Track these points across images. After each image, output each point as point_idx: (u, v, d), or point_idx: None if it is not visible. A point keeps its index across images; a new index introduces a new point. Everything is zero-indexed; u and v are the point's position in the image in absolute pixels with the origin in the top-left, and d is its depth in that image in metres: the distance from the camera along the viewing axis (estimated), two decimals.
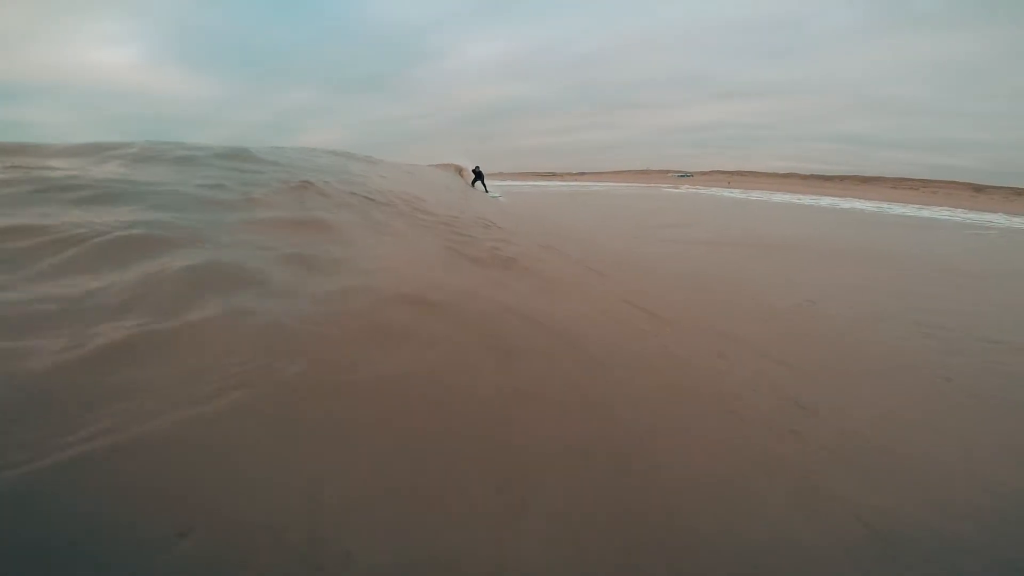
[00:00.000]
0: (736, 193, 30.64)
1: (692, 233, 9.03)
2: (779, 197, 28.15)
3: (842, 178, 60.78)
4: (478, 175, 15.79)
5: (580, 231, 8.05)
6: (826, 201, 26.45)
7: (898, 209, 23.34)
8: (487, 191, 15.28)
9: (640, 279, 4.30)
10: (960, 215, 21.98)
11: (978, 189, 48.63)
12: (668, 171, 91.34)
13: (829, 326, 3.60)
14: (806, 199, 28.05)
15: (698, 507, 1.44)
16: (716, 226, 10.78)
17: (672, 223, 10.83)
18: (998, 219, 20.93)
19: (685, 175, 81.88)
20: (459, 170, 17.72)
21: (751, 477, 1.61)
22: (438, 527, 1.24)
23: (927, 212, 22.84)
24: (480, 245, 3.98)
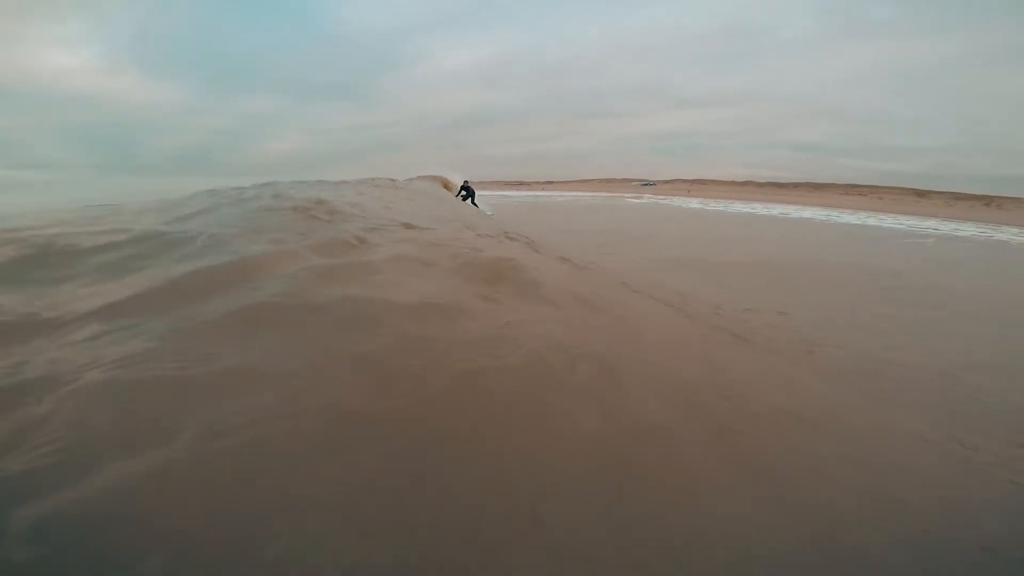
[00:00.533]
0: (694, 203, 31.27)
1: (639, 252, 8.95)
2: (736, 207, 28.86)
3: (796, 185, 63.18)
4: (468, 191, 14.77)
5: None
6: (778, 210, 27.27)
7: (846, 218, 24.21)
8: (478, 207, 14.14)
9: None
10: (904, 221, 23.03)
11: (921, 194, 51.26)
12: (632, 180, 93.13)
13: None
14: (760, 208, 28.88)
15: None
16: (665, 243, 10.79)
17: (608, 243, 10.72)
18: (934, 226, 21.94)
19: (648, 184, 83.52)
20: (444, 183, 16.91)
21: None
22: None
23: (873, 220, 23.77)
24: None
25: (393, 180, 13.28)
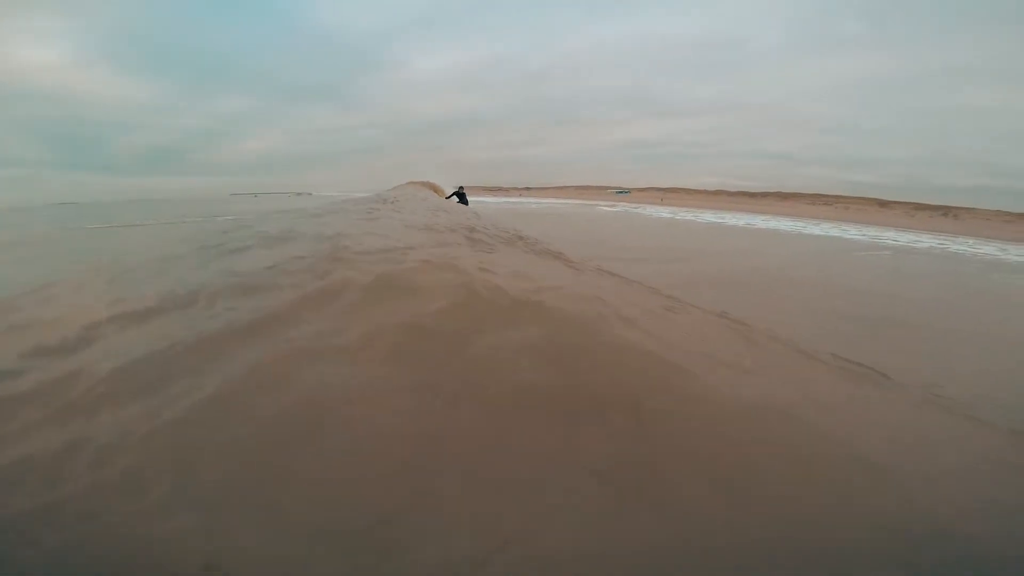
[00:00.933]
0: (665, 213, 31.54)
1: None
2: (705, 217, 29.17)
3: (765, 195, 64.65)
4: (461, 197, 14.35)
5: None
6: (745, 220, 27.66)
7: (811, 229, 24.64)
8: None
9: None
10: (866, 232, 23.55)
11: (883, 204, 52.93)
12: (608, 187, 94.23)
13: None
14: (729, 218, 29.25)
15: None
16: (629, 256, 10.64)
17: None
18: (893, 237, 22.50)
19: (623, 192, 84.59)
20: (433, 188, 16.82)
21: None
22: None
23: (837, 231, 24.25)
24: None
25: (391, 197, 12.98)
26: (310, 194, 79.85)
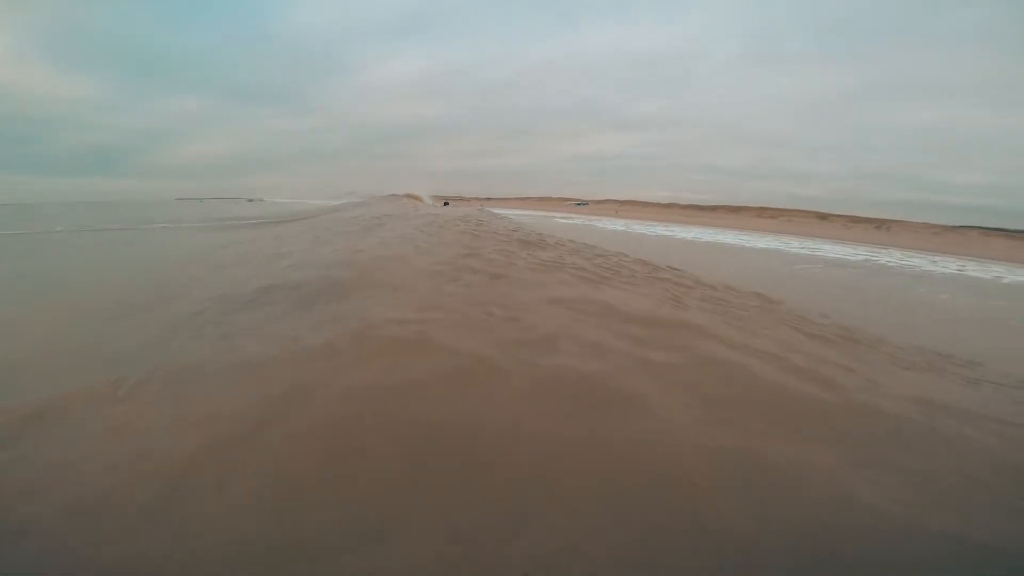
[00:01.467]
0: (619, 225, 31.90)
1: None
2: (656, 230, 29.68)
3: (715, 208, 67.02)
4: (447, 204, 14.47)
5: None
6: (693, 234, 28.34)
7: (757, 242, 25.44)
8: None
9: None
10: (808, 244, 24.53)
11: (823, 217, 55.78)
12: (567, 199, 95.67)
13: None
14: (679, 231, 29.89)
15: None
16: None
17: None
18: (830, 250, 23.51)
19: (582, 204, 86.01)
20: (415, 199, 17.63)
21: None
22: None
23: (779, 243, 25.14)
24: None
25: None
26: (262, 200, 76.96)
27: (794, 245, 24.40)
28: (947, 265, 20.45)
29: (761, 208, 63.54)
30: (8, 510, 1.68)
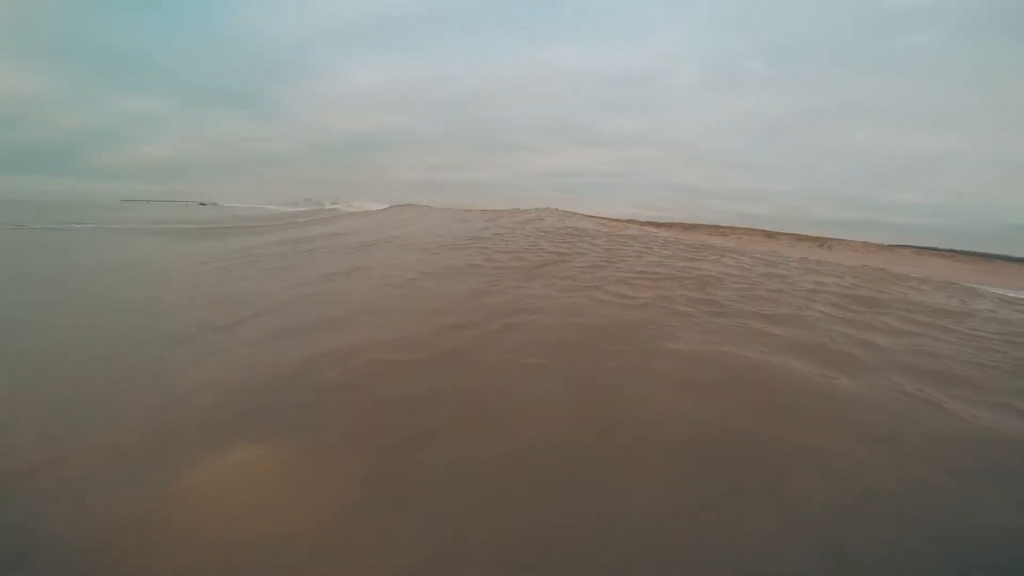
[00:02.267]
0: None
1: None
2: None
3: (671, 224, 68.85)
4: None
5: None
6: None
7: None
8: None
9: None
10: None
11: (770, 235, 58.17)
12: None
13: None
14: None
15: None
16: None
17: None
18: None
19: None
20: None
21: None
22: None
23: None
24: None
25: None
26: (215, 204, 74.00)
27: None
28: None
29: (714, 226, 65.69)
30: None
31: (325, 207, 39.05)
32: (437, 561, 1.66)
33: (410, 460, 2.14)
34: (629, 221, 77.58)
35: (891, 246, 50.66)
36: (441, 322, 3.66)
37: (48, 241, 12.69)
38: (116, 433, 2.48)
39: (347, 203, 37.33)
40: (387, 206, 30.83)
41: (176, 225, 19.53)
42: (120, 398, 2.90)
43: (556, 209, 17.13)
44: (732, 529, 1.75)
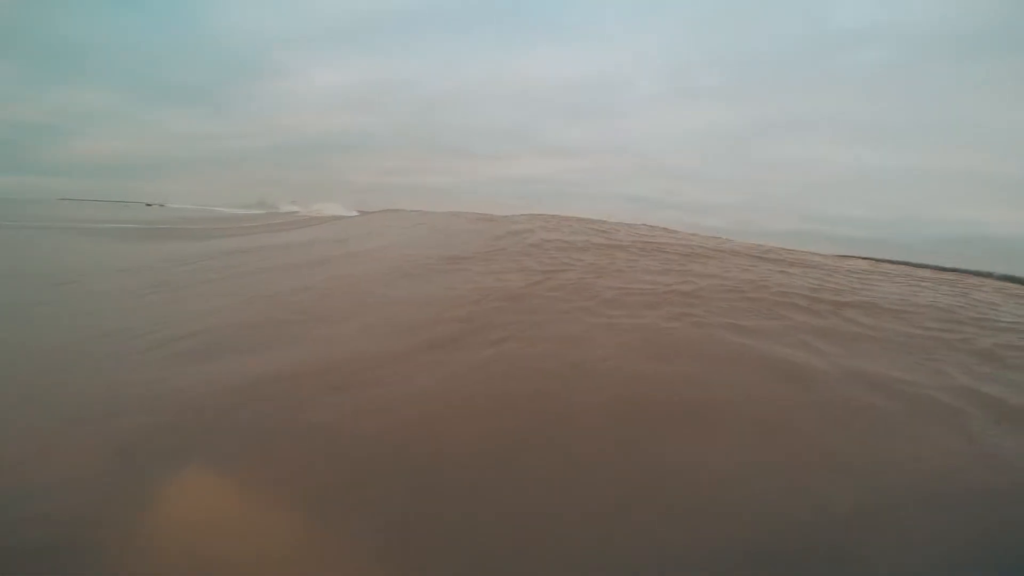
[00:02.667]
0: None
1: None
2: None
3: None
4: None
5: None
6: None
7: None
8: None
9: None
10: None
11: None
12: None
13: None
14: None
15: None
16: None
17: None
18: None
19: None
20: None
21: None
22: None
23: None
24: None
25: None
26: (162, 205, 70.41)
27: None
28: None
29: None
30: None
31: (280, 210, 36.52)
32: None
33: None
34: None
35: (842, 256, 53.25)
36: None
37: None
38: None
39: (306, 206, 33.97)
40: (355, 212, 27.95)
41: (106, 225, 18.19)
42: None
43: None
44: None
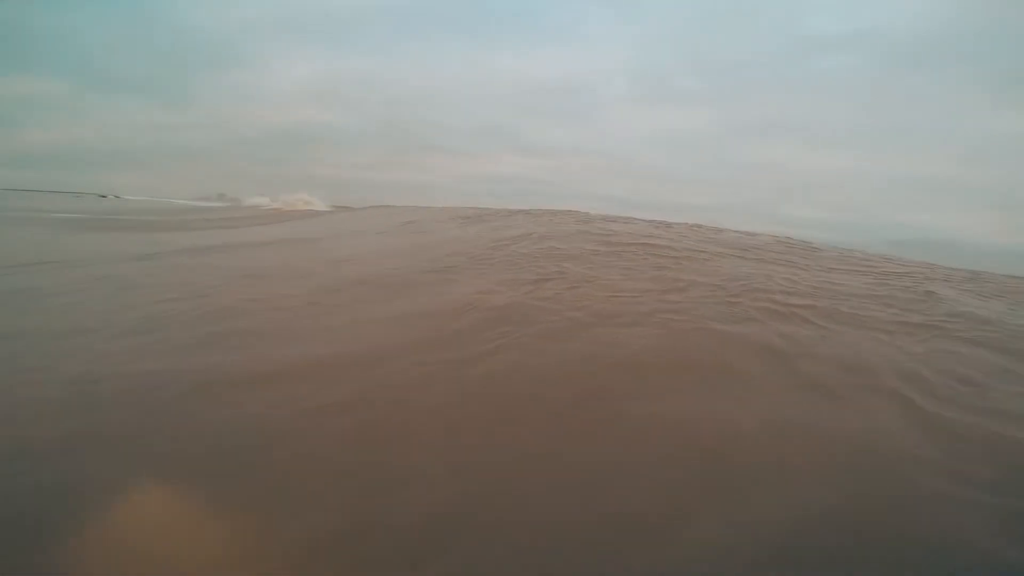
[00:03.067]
0: None
1: None
2: None
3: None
4: None
5: None
6: None
7: None
8: None
9: None
10: None
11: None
12: None
13: None
14: None
15: None
16: None
17: None
18: None
19: None
20: None
21: None
22: None
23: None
24: None
25: None
26: (117, 197, 67.47)
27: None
28: None
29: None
30: None
31: (243, 204, 34.68)
32: None
33: None
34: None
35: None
36: None
37: None
38: None
39: (274, 198, 31.79)
40: (330, 207, 25.93)
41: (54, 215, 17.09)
42: None
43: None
44: None
